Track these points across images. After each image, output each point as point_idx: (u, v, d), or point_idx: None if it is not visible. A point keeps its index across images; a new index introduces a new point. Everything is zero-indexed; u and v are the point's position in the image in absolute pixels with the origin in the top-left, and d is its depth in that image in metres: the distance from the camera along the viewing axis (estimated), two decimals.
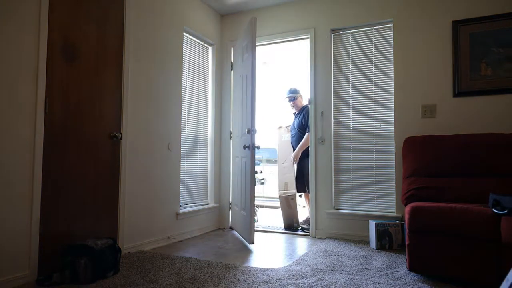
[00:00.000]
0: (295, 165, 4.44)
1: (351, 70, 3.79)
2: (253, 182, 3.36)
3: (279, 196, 4.34)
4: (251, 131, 3.36)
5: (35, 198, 2.36)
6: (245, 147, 3.43)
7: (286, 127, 4.71)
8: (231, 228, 4.19)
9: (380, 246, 3.24)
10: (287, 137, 4.63)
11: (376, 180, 3.61)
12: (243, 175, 3.59)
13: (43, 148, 2.42)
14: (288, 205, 4.30)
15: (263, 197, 6.38)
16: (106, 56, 2.94)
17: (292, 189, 4.39)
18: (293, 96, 4.51)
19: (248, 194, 3.38)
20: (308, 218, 4.35)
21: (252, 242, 3.32)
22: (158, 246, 3.32)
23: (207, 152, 4.26)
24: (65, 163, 2.59)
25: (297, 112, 4.57)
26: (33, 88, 2.38)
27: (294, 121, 4.59)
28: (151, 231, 3.32)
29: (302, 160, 4.29)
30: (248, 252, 3.19)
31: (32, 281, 2.31)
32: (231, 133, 4.32)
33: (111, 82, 2.98)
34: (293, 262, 2.81)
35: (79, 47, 2.71)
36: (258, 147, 3.48)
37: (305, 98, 4.52)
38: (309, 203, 4.47)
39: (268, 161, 7.42)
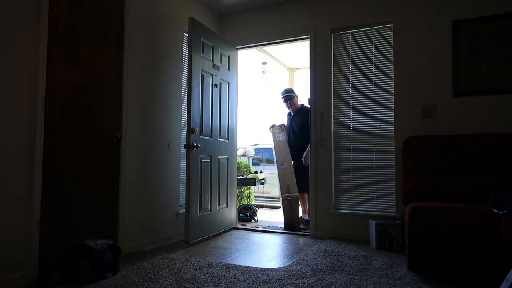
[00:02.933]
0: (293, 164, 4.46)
1: (351, 70, 3.78)
2: (187, 181, 3.33)
3: (283, 200, 4.32)
4: (189, 130, 3.35)
5: (35, 198, 2.36)
6: (185, 146, 3.41)
7: (279, 125, 4.69)
8: (232, 228, 4.19)
9: (380, 246, 3.24)
10: (282, 136, 4.62)
11: (376, 180, 3.60)
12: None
13: (43, 148, 2.41)
14: (291, 208, 4.29)
15: (263, 197, 6.38)
16: (106, 56, 2.94)
17: (294, 191, 4.38)
18: (290, 95, 4.51)
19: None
20: (301, 218, 4.35)
21: (187, 242, 3.29)
22: (158, 246, 3.32)
23: None
24: (65, 163, 2.59)
25: (293, 114, 4.57)
26: (33, 88, 2.38)
27: (291, 122, 4.59)
28: (151, 231, 3.32)
29: (301, 163, 4.29)
30: (249, 252, 3.18)
31: (32, 281, 2.31)
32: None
33: (111, 82, 2.98)
34: (293, 262, 2.81)
35: (79, 47, 2.71)
36: (197, 147, 3.41)
37: (304, 98, 4.53)
38: (304, 203, 4.47)
39: (269, 161, 7.42)
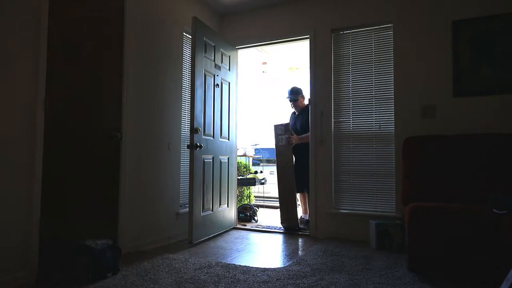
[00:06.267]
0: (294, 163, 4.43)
1: (351, 70, 3.78)
2: (191, 181, 3.34)
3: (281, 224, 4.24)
4: (193, 130, 3.36)
5: (35, 198, 2.36)
6: (188, 146, 3.41)
7: (284, 125, 4.60)
8: (232, 228, 4.18)
9: (380, 246, 3.24)
10: (285, 140, 4.48)
11: (376, 180, 3.60)
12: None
13: (43, 148, 2.41)
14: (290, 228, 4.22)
15: (263, 197, 6.38)
16: (106, 56, 2.94)
17: (292, 216, 4.21)
18: (294, 97, 4.47)
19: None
20: (302, 218, 4.33)
21: (190, 242, 3.29)
22: (158, 246, 3.32)
23: None
24: (65, 163, 2.59)
25: (297, 113, 4.54)
26: (33, 88, 2.37)
27: (295, 122, 4.55)
28: (151, 231, 3.32)
29: (303, 161, 4.25)
30: (249, 252, 3.18)
31: (32, 281, 2.30)
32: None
33: (111, 82, 2.98)
34: (293, 262, 2.81)
35: (79, 47, 2.71)
36: (201, 147, 3.42)
37: (306, 98, 4.50)
38: (304, 203, 4.44)
39: (269, 161, 7.42)
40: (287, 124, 4.45)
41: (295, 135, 4.37)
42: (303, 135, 4.28)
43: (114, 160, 2.98)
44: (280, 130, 4.40)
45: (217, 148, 3.84)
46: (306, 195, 4.31)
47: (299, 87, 4.55)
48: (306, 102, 4.53)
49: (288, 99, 4.52)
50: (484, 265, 2.22)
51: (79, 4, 2.72)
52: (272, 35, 4.23)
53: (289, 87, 4.58)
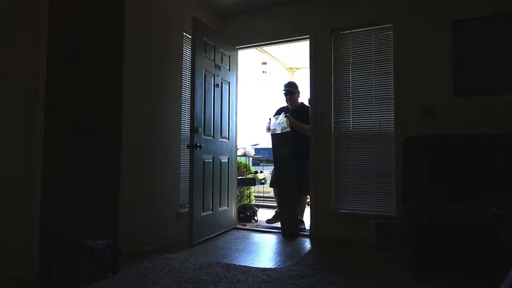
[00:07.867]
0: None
1: (351, 70, 3.78)
2: (191, 181, 3.34)
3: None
4: (193, 130, 3.36)
5: (35, 198, 2.36)
6: (188, 146, 3.41)
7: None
8: (232, 228, 4.18)
9: (380, 246, 3.23)
10: (286, 152, 4.40)
11: (376, 180, 3.60)
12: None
13: (43, 147, 2.41)
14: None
15: (263, 197, 6.37)
16: (106, 56, 2.94)
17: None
18: (292, 90, 4.44)
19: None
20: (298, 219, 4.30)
21: (190, 242, 3.29)
22: (158, 246, 3.32)
23: None
24: (65, 163, 2.59)
25: (291, 110, 4.45)
26: (33, 87, 2.37)
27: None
28: (151, 231, 3.32)
29: (302, 162, 4.21)
30: (249, 252, 3.18)
31: (32, 281, 2.30)
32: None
33: (111, 82, 2.97)
34: (293, 262, 2.81)
35: (79, 47, 2.71)
36: (201, 147, 3.41)
37: (305, 97, 4.49)
38: (299, 205, 4.37)
39: (269, 161, 7.42)
40: (286, 133, 4.14)
41: (295, 122, 4.18)
42: (300, 124, 4.15)
43: (114, 160, 2.97)
44: (280, 142, 4.17)
45: (217, 148, 3.85)
46: (303, 196, 4.28)
47: (295, 83, 4.58)
48: (300, 100, 4.51)
49: (284, 92, 4.47)
50: (484, 265, 2.22)
51: (79, 4, 2.72)
52: (272, 35, 4.23)
53: (285, 82, 4.58)
